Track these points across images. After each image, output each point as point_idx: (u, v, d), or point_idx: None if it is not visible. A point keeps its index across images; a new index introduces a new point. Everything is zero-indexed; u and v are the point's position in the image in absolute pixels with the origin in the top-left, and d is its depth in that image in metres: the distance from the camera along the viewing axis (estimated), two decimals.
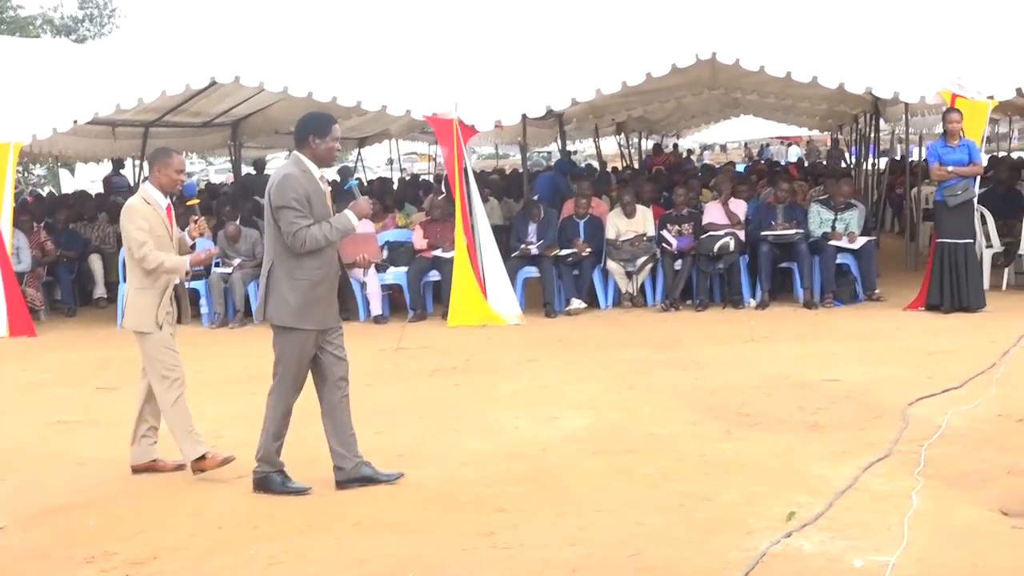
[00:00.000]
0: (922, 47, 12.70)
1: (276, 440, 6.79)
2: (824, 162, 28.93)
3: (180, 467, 7.44)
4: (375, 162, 48.45)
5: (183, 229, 7.68)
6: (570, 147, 32.87)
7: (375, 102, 13.29)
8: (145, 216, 7.24)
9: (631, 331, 12.36)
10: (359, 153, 27.62)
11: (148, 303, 7.26)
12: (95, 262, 16.08)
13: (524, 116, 13.41)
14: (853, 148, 26.33)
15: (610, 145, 36.05)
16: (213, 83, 14.08)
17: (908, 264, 15.93)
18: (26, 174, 39.79)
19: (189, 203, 7.88)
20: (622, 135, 28.20)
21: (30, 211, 16.16)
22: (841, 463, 6.85)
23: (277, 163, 22.94)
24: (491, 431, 8.20)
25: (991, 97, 12.51)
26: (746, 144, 50.71)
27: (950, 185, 12.23)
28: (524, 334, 12.47)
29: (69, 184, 33.40)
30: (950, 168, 12.21)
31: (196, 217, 7.66)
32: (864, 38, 12.82)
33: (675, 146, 33.68)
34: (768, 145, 49.70)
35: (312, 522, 6.25)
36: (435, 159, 44.35)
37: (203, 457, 7.25)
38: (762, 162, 28.81)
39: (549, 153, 43.45)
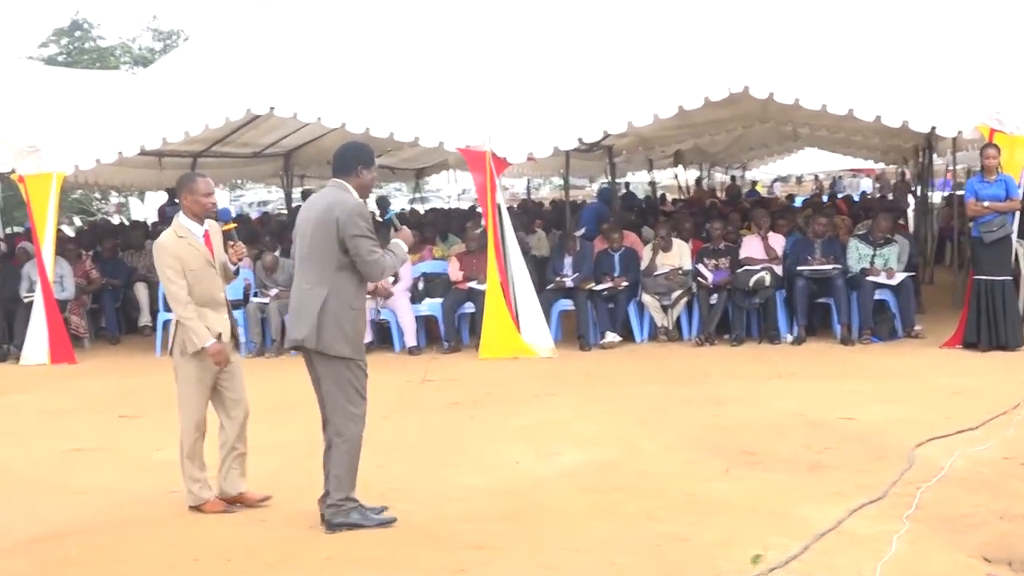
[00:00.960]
0: (961, 81, 12.46)
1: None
2: (891, 196, 28.58)
3: (266, 498, 7.42)
4: (450, 191, 48.80)
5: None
6: (633, 179, 32.88)
7: (408, 134, 13.34)
8: (174, 253, 7.17)
9: (660, 366, 12.26)
10: (416, 183, 27.75)
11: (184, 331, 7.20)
12: (140, 291, 16.26)
13: (561, 149, 13.46)
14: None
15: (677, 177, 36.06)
16: (251, 115, 14.21)
17: (958, 300, 15.61)
18: (105, 201, 40.56)
19: (225, 228, 7.82)
20: (680, 167, 28.02)
21: (76, 240, 16.40)
22: (832, 504, 6.71)
23: None
24: (490, 466, 8.16)
25: None
26: (817, 176, 50.32)
27: (986, 221, 12.04)
28: (553, 367, 12.41)
29: (139, 213, 33.91)
30: (986, 204, 12.02)
31: (233, 242, 7.62)
32: (902, 72, 12.58)
33: (733, 178, 33.40)
34: (840, 178, 49.25)
35: (286, 556, 6.25)
36: (509, 189, 44.74)
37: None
38: (820, 196, 28.44)
39: (626, 184, 43.44)
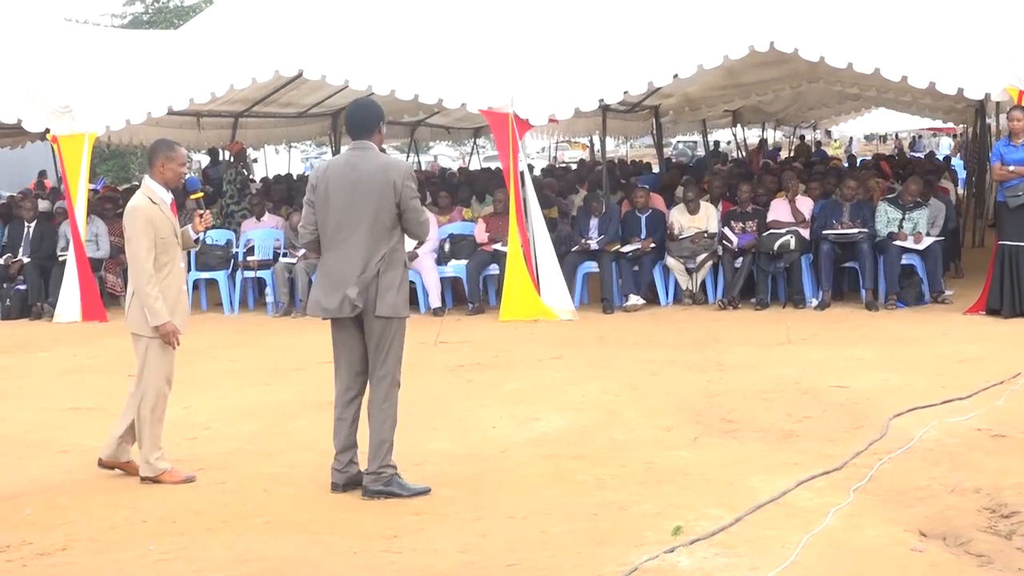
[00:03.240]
0: (990, 43, 12.15)
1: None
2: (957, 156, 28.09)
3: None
4: (533, 148, 48.77)
5: (188, 223, 7.69)
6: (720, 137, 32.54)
7: (432, 95, 13.35)
8: (149, 219, 7.07)
9: (677, 330, 12.17)
10: (475, 143, 27.75)
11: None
12: None
13: (583, 110, 13.35)
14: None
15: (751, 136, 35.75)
16: (279, 77, 14.27)
17: None
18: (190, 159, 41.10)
19: (194, 196, 7.86)
20: (738, 127, 27.73)
21: (113, 199, 16.60)
22: (785, 475, 6.62)
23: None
24: (466, 431, 8.16)
25: None
26: (897, 135, 49.61)
27: (1012, 185, 11.77)
28: (569, 330, 12.37)
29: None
30: (1011, 168, 11.76)
31: (201, 211, 7.63)
32: (930, 32, 12.32)
33: (802, 138, 32.97)
34: (920, 137, 48.49)
35: (227, 519, 6.30)
36: (589, 147, 44.61)
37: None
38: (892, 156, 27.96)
39: (694, 143, 43.15)
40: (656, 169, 22.05)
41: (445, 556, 5.59)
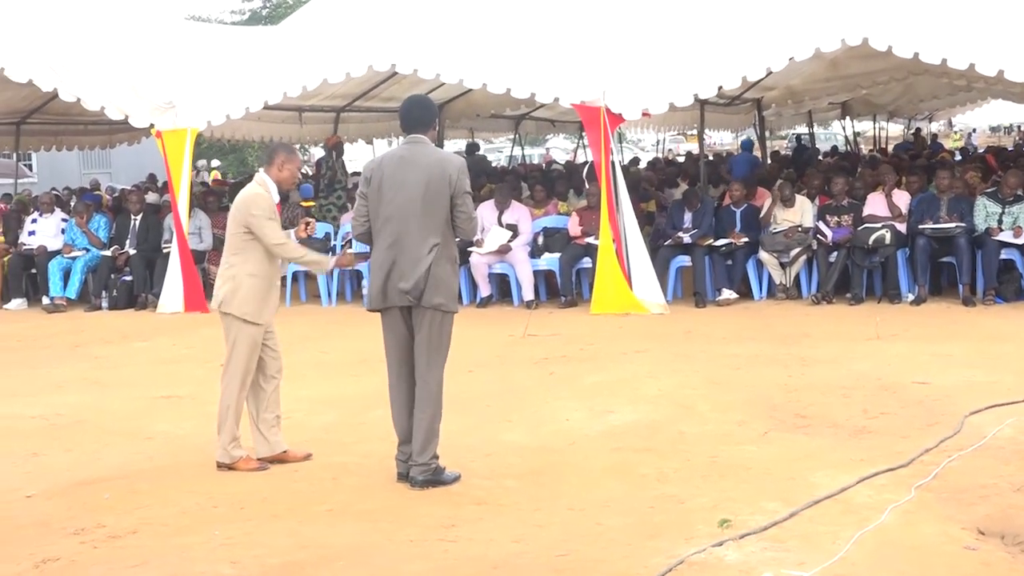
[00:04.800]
0: None
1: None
2: None
3: (308, 456, 7.48)
4: (649, 142, 48.66)
5: (292, 228, 7.85)
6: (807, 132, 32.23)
7: (524, 89, 13.41)
8: (271, 204, 7.24)
9: (766, 324, 12.11)
10: (581, 137, 27.70)
11: (256, 293, 7.26)
12: None
13: (677, 105, 13.31)
14: None
15: (864, 128, 35.26)
16: (373, 72, 14.44)
17: None
18: (305, 153, 41.71)
19: (305, 204, 8.09)
20: (847, 119, 27.37)
21: (217, 193, 16.94)
22: (849, 472, 6.59)
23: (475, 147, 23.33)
24: (540, 423, 8.22)
25: None
26: (1020, 127, 48.63)
27: None
28: (659, 324, 12.37)
29: None
30: None
31: (309, 220, 7.73)
32: None
33: (918, 131, 32.40)
34: None
35: (292, 506, 6.45)
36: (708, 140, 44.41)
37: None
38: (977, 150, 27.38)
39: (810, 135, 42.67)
40: None
41: (498, 546, 5.67)
